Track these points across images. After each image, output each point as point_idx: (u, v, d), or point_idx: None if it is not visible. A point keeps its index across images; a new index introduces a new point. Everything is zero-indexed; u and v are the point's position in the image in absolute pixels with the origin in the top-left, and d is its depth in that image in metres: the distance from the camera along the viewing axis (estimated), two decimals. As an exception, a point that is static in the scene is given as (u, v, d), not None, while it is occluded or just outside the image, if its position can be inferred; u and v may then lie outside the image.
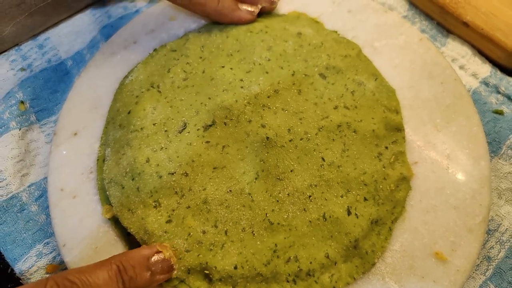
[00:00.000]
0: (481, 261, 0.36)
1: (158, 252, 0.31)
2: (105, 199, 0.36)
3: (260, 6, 0.42)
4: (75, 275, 0.27)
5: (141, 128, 0.36)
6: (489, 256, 0.36)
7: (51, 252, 0.37)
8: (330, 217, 0.33)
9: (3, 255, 0.37)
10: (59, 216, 0.35)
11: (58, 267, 0.36)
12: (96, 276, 0.28)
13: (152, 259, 0.31)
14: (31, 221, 0.38)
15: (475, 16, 0.43)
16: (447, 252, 0.33)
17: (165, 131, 0.36)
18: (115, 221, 0.35)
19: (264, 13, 0.44)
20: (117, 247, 0.34)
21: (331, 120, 0.36)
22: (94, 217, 0.35)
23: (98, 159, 0.38)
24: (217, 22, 0.43)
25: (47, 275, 0.36)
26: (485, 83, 0.43)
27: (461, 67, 0.44)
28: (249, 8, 0.42)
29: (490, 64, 0.44)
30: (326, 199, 0.34)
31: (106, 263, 0.29)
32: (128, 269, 0.29)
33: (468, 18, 0.43)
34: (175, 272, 0.32)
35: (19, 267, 0.36)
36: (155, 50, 0.42)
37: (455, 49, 0.45)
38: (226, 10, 0.41)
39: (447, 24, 0.46)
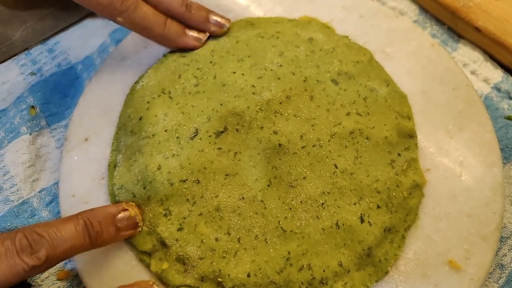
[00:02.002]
0: (493, 269, 0.36)
1: (124, 209, 0.33)
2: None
3: (208, 34, 0.41)
4: (43, 228, 0.28)
5: (153, 135, 0.36)
6: (502, 264, 0.36)
7: (62, 258, 0.37)
8: (343, 224, 0.33)
9: None
10: (71, 222, 0.35)
11: (69, 273, 0.36)
12: (64, 230, 0.29)
13: (118, 216, 0.32)
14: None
15: (487, 21, 0.43)
16: (461, 260, 0.33)
17: (177, 137, 0.36)
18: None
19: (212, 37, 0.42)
20: (128, 254, 0.34)
21: (343, 127, 0.36)
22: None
23: (109, 165, 0.38)
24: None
25: (58, 282, 0.36)
26: (497, 88, 0.43)
27: (473, 72, 0.44)
28: (196, 35, 0.41)
29: (502, 69, 0.44)
30: (339, 207, 0.33)
31: (73, 218, 0.30)
32: (95, 224, 0.30)
33: (480, 23, 0.43)
34: (140, 229, 0.33)
35: (31, 273, 0.36)
36: (164, 55, 0.42)
37: (466, 54, 0.45)
38: (172, 35, 0.39)
39: (458, 29, 0.45)
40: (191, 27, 0.41)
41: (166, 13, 0.39)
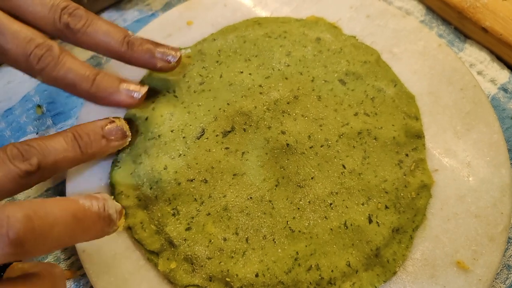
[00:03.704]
0: (501, 270, 0.36)
1: (111, 122, 0.34)
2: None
3: (147, 87, 0.36)
4: (33, 140, 0.30)
5: (159, 136, 0.36)
6: (509, 264, 0.36)
7: (69, 258, 0.37)
8: (351, 225, 0.33)
9: (21, 260, 0.36)
10: (78, 221, 0.35)
11: (77, 272, 0.36)
12: (53, 141, 0.30)
13: (106, 127, 0.33)
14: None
15: (494, 21, 0.43)
16: (469, 261, 0.33)
17: (183, 137, 0.36)
18: (134, 227, 0.35)
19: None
20: (136, 253, 0.34)
21: (351, 127, 0.36)
22: (113, 223, 0.35)
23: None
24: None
25: (66, 281, 0.36)
26: (504, 89, 0.43)
27: (479, 73, 0.44)
28: (131, 89, 0.35)
29: (509, 70, 0.44)
30: (347, 207, 0.33)
31: (62, 132, 0.32)
32: (83, 136, 0.32)
33: (487, 24, 0.43)
34: (129, 139, 0.35)
35: (38, 272, 0.36)
36: None
37: (473, 54, 0.45)
38: (101, 93, 0.34)
39: (465, 29, 0.45)
40: (137, 65, 0.37)
41: (107, 55, 0.36)
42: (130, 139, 0.35)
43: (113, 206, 0.28)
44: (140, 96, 0.35)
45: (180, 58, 0.37)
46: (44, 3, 0.33)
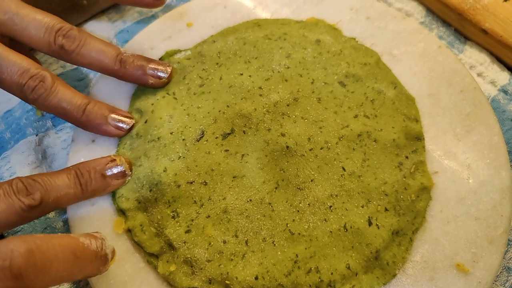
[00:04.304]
0: (500, 272, 0.36)
1: (112, 160, 0.35)
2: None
3: (132, 122, 0.38)
4: (38, 176, 0.31)
5: (158, 138, 0.36)
6: (508, 267, 0.36)
7: (68, 260, 0.37)
8: (351, 227, 0.33)
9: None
10: (78, 224, 0.35)
11: (76, 274, 0.36)
12: (56, 177, 0.32)
13: (107, 166, 0.34)
14: (48, 227, 0.38)
15: (494, 23, 0.43)
16: (469, 263, 0.33)
17: (183, 139, 0.36)
18: (134, 230, 0.35)
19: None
20: (136, 256, 0.34)
21: (351, 129, 0.36)
22: (112, 225, 0.35)
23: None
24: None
25: (65, 283, 0.36)
26: (504, 90, 0.43)
27: (479, 75, 0.44)
28: (118, 122, 0.37)
29: (509, 71, 0.43)
30: (347, 210, 0.33)
31: (65, 169, 0.33)
32: (84, 173, 0.33)
33: (487, 25, 0.43)
34: (129, 178, 0.35)
35: (37, 274, 0.36)
36: (168, 58, 0.42)
37: (473, 56, 0.44)
38: (91, 124, 0.36)
39: (465, 31, 0.45)
40: (130, 82, 0.39)
41: (101, 72, 0.38)
42: (130, 178, 0.35)
43: (110, 247, 0.30)
44: (127, 128, 0.38)
45: (171, 74, 0.39)
46: (39, 26, 0.35)
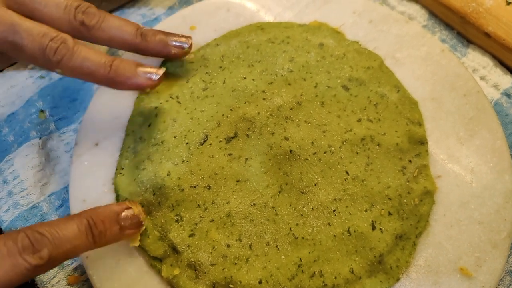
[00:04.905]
0: (504, 276, 0.36)
1: (127, 208, 0.32)
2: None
3: (164, 69, 0.37)
4: (45, 228, 0.28)
5: (162, 142, 0.36)
6: (512, 270, 0.36)
7: (71, 263, 0.37)
8: (354, 231, 0.33)
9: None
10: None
11: (80, 278, 0.36)
12: (66, 229, 0.28)
13: (122, 214, 0.32)
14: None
15: (497, 26, 0.43)
16: (472, 267, 0.33)
17: (186, 143, 0.36)
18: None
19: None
20: (139, 259, 0.34)
21: (354, 133, 0.36)
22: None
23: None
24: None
25: (69, 287, 0.36)
26: (507, 94, 0.43)
27: (482, 78, 0.44)
28: (148, 71, 0.36)
29: (512, 75, 0.44)
30: (350, 214, 0.33)
31: (76, 217, 0.29)
32: (98, 224, 0.30)
33: (490, 29, 0.43)
34: (143, 228, 0.33)
35: (41, 277, 0.36)
36: (170, 62, 0.41)
37: (475, 59, 0.45)
38: (120, 78, 0.35)
39: (468, 34, 0.45)
40: (152, 55, 0.38)
41: (122, 48, 0.37)
42: (144, 228, 0.33)
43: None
44: (158, 78, 0.36)
45: (191, 44, 0.39)
46: (58, 4, 0.35)
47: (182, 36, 0.39)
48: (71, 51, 0.33)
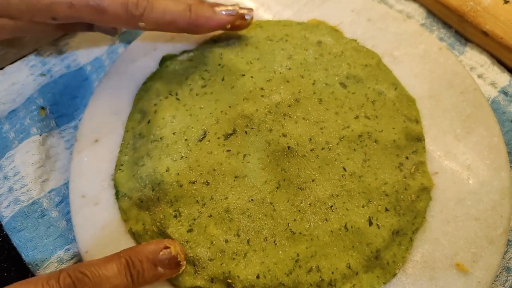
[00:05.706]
0: (500, 272, 0.36)
1: (166, 247, 0.31)
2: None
3: (237, 9, 0.38)
4: (86, 267, 0.28)
5: (161, 138, 0.37)
6: (508, 267, 0.36)
7: (71, 259, 0.37)
8: (351, 227, 0.33)
9: (24, 261, 0.37)
10: (81, 223, 0.36)
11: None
12: (106, 269, 0.29)
13: (160, 254, 0.31)
14: (51, 227, 0.38)
15: (494, 25, 0.43)
16: (468, 263, 0.33)
17: (185, 140, 0.36)
18: (137, 229, 0.35)
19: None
20: (139, 254, 0.34)
21: (352, 130, 0.36)
22: (116, 224, 0.36)
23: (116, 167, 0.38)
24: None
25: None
26: (504, 92, 0.43)
27: (480, 76, 0.44)
28: (224, 7, 0.37)
29: (509, 73, 0.44)
30: (347, 209, 0.34)
31: (115, 257, 0.30)
32: (136, 264, 0.30)
33: (488, 27, 0.43)
34: (183, 268, 0.32)
35: (41, 273, 0.36)
36: (170, 60, 0.42)
37: (473, 57, 0.45)
38: (202, 20, 0.36)
39: (466, 33, 0.46)
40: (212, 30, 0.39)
41: (176, 30, 0.37)
42: (184, 268, 0.32)
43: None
44: (237, 13, 0.37)
45: (252, 16, 0.40)
46: None
47: (227, 4, 0.39)
48: (151, 3, 0.35)
